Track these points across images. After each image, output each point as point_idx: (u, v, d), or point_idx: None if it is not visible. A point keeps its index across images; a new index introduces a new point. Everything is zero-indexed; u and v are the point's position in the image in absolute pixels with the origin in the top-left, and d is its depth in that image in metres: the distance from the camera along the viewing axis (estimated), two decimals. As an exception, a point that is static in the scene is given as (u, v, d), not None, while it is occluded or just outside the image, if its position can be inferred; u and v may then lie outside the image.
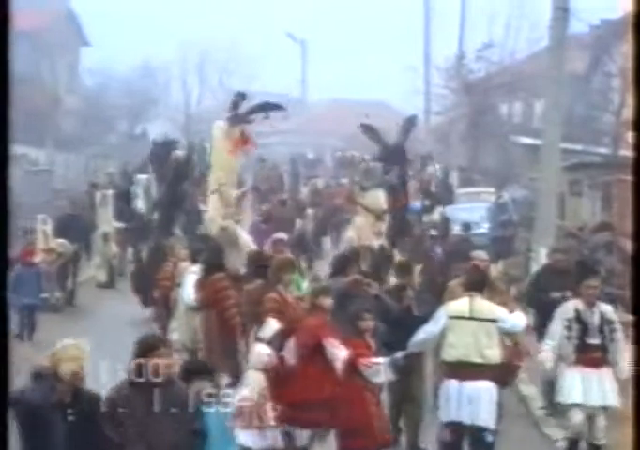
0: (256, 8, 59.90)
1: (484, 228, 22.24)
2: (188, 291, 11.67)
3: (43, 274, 17.29)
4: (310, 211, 22.34)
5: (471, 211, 23.28)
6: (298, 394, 8.99)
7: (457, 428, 9.00)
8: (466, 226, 19.77)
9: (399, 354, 9.07)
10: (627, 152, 24.02)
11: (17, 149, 28.22)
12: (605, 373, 9.63)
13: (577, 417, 9.61)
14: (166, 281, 12.93)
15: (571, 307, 9.76)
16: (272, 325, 9.55)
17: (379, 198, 14.64)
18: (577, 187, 22.33)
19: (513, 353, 9.50)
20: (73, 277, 19.09)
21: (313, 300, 9.57)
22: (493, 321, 8.98)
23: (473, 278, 9.55)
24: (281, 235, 14.24)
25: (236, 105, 13.70)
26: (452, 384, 8.98)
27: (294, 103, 56.34)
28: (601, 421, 9.64)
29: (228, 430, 6.76)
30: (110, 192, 22.27)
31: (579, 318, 9.64)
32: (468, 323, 8.99)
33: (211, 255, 11.61)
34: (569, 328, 9.64)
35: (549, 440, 11.09)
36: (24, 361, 13.55)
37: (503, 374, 9.46)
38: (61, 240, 18.79)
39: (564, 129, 17.91)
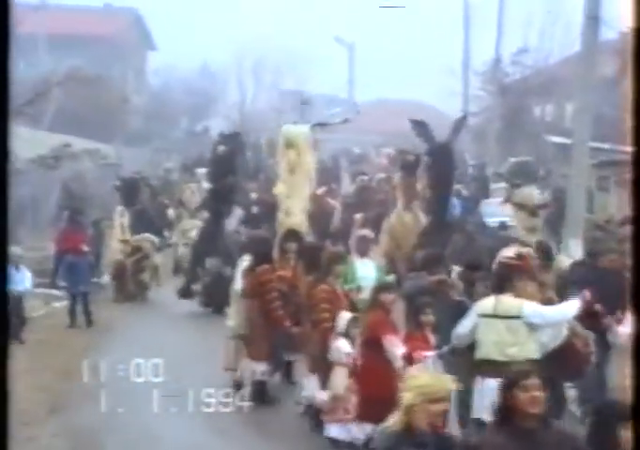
0: (306, 15, 59.85)
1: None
2: (237, 279, 11.52)
3: (92, 263, 16.75)
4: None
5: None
6: (366, 389, 8.72)
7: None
8: (503, 225, 19.47)
9: (444, 348, 8.65)
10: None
11: (89, 144, 28.46)
12: None
13: None
14: None
15: None
16: (344, 317, 9.28)
17: (532, 194, 14.09)
18: (605, 183, 22.11)
19: (582, 343, 8.78)
20: (151, 271, 18.13)
21: (376, 296, 9.16)
22: (517, 317, 8.27)
23: (496, 277, 8.80)
24: (365, 232, 13.29)
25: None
26: (477, 382, 8.40)
27: (342, 103, 56.33)
28: None
29: None
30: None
31: None
32: (493, 322, 8.34)
33: (259, 246, 11.31)
34: None
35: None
36: (83, 349, 13.34)
37: (574, 365, 8.87)
38: (147, 234, 18.22)
39: (593, 129, 17.68)
